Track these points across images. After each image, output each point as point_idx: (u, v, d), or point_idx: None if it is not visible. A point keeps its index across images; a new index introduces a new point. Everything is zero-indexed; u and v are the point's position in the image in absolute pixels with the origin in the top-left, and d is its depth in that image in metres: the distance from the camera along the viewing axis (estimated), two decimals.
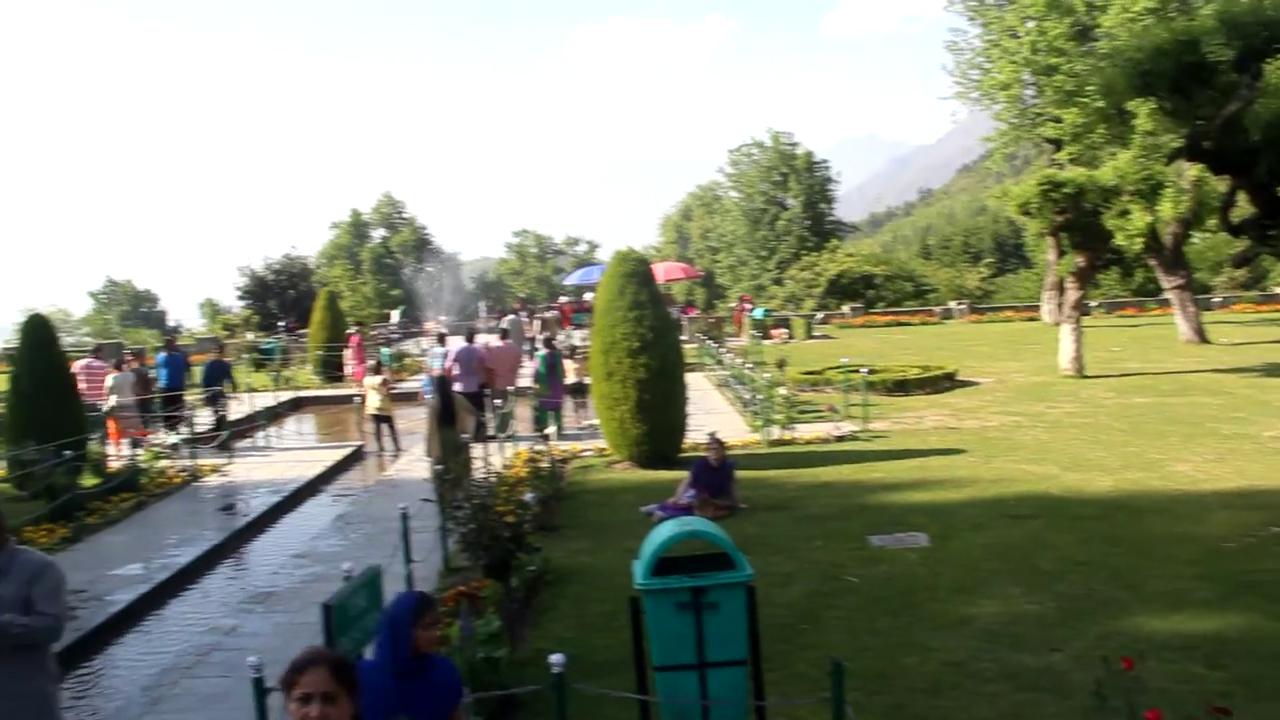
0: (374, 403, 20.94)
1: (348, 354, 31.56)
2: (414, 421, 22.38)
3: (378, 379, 21.10)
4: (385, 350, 31.75)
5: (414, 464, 18.58)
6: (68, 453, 15.51)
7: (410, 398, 24.39)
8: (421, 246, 78.32)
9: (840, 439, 18.30)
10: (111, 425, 20.12)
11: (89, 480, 16.37)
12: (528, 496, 11.98)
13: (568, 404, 21.73)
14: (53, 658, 5.45)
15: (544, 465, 15.22)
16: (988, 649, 8.32)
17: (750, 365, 23.83)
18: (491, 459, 15.78)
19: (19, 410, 16.64)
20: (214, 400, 21.44)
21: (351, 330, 32.91)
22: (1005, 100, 43.76)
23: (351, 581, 6.59)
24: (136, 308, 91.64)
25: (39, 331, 17.42)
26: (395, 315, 52.64)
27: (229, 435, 20.56)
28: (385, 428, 20.93)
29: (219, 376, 21.77)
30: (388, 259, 77.24)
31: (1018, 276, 67.08)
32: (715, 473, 13.68)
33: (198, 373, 23.69)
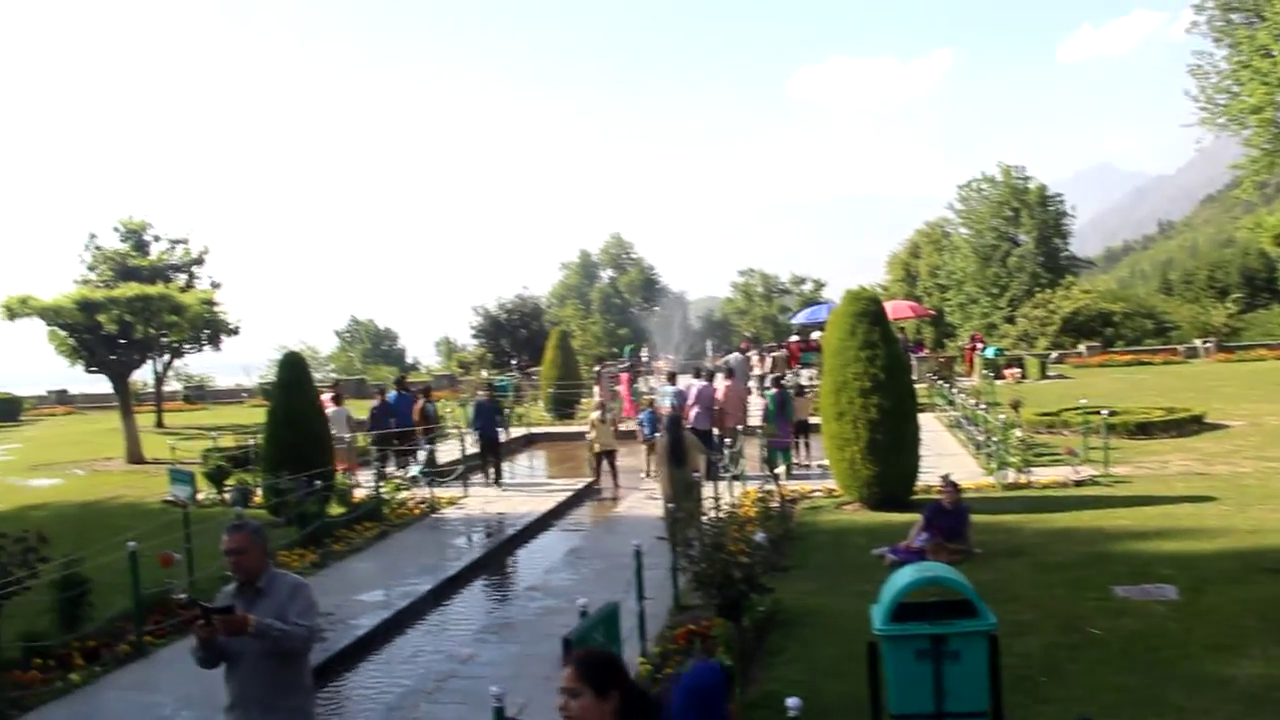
0: (596, 437, 21.36)
1: (619, 390, 31.89)
2: (636, 458, 22.73)
3: (596, 415, 21.52)
4: (619, 388, 32.16)
5: (643, 501, 18.83)
6: (318, 483, 16.30)
7: (633, 435, 24.65)
8: (649, 286, 79.48)
9: (1079, 484, 17.58)
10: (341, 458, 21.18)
11: (336, 509, 17.19)
12: (758, 536, 11.96)
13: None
14: (310, 674, 5.77)
15: (773, 505, 15.17)
16: (1250, 714, 7.82)
17: (983, 406, 23.19)
18: (720, 498, 15.83)
19: (275, 442, 17.61)
20: (487, 440, 21.72)
21: (623, 368, 33.79)
22: (1257, 124, 41.38)
23: (590, 617, 6.71)
24: (378, 345, 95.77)
25: (294, 368, 18.44)
26: (625, 354, 53.52)
27: (464, 471, 21.10)
28: (606, 463, 21.29)
29: (490, 416, 21.87)
30: (616, 299, 78.66)
31: (1270, 312, 63.18)
32: (949, 516, 13.36)
33: (464, 412, 24.35)
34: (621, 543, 14.77)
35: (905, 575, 6.83)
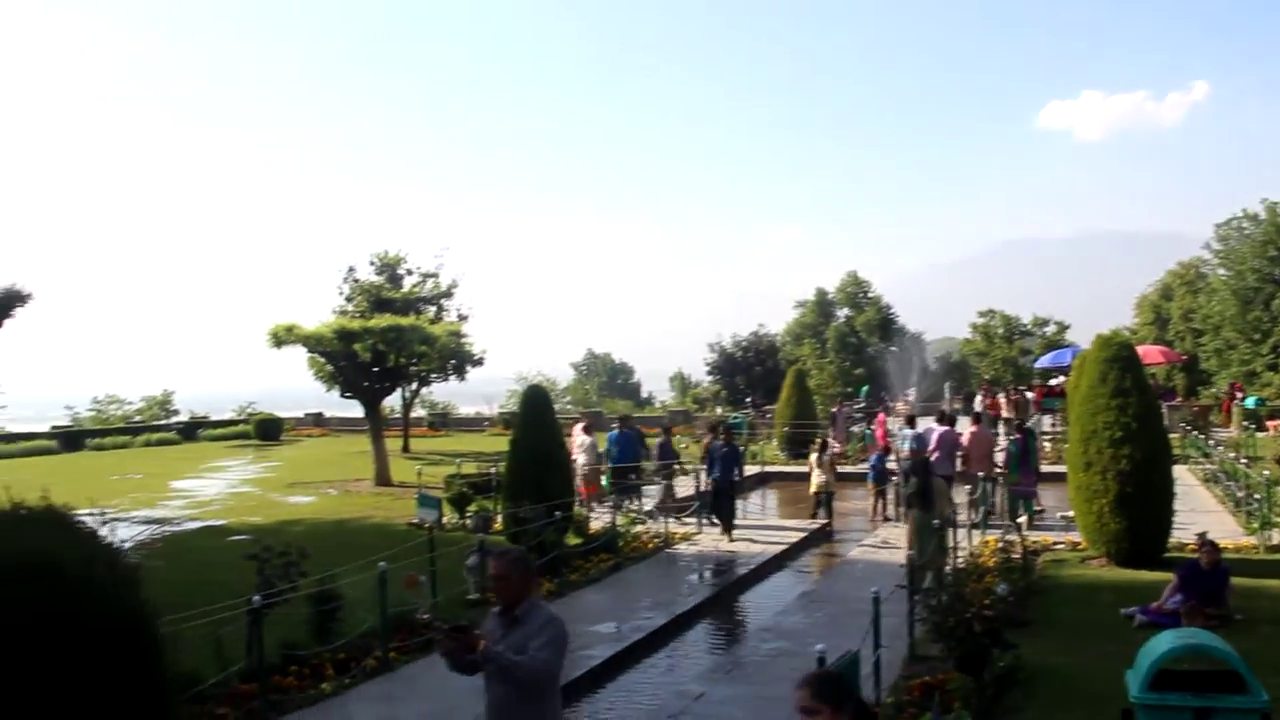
0: (818, 480, 21.12)
1: (872, 429, 31.43)
2: (857, 503, 22.40)
3: (824, 456, 21.29)
4: (862, 430, 31.59)
5: (878, 547, 18.49)
6: (557, 513, 16.63)
7: (859, 479, 24.14)
8: (886, 325, 78.13)
9: None
10: (580, 484, 21.62)
11: (573, 539, 17.50)
12: (1000, 588, 11.56)
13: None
14: (556, 712, 5.89)
15: (1015, 556, 14.65)
16: None
17: (1244, 460, 21.84)
18: (960, 546, 15.40)
19: (516, 471, 18.09)
20: (725, 480, 21.29)
21: (863, 407, 33.52)
22: None
23: (831, 665, 6.60)
24: (613, 379, 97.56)
25: (537, 401, 18.93)
26: (860, 394, 52.82)
27: (700, 506, 21.09)
28: (824, 503, 21.06)
29: (728, 462, 21.44)
30: (851, 338, 77.69)
31: None
32: (1206, 577, 12.58)
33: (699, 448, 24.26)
34: (854, 587, 14.54)
35: (1165, 641, 6.45)
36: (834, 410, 33.65)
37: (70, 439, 46.01)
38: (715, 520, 20.34)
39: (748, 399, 50.18)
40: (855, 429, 33.33)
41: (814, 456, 21.56)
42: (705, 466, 20.75)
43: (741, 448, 22.78)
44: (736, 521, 20.53)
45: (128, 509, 23.56)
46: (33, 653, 3.13)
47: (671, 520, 20.00)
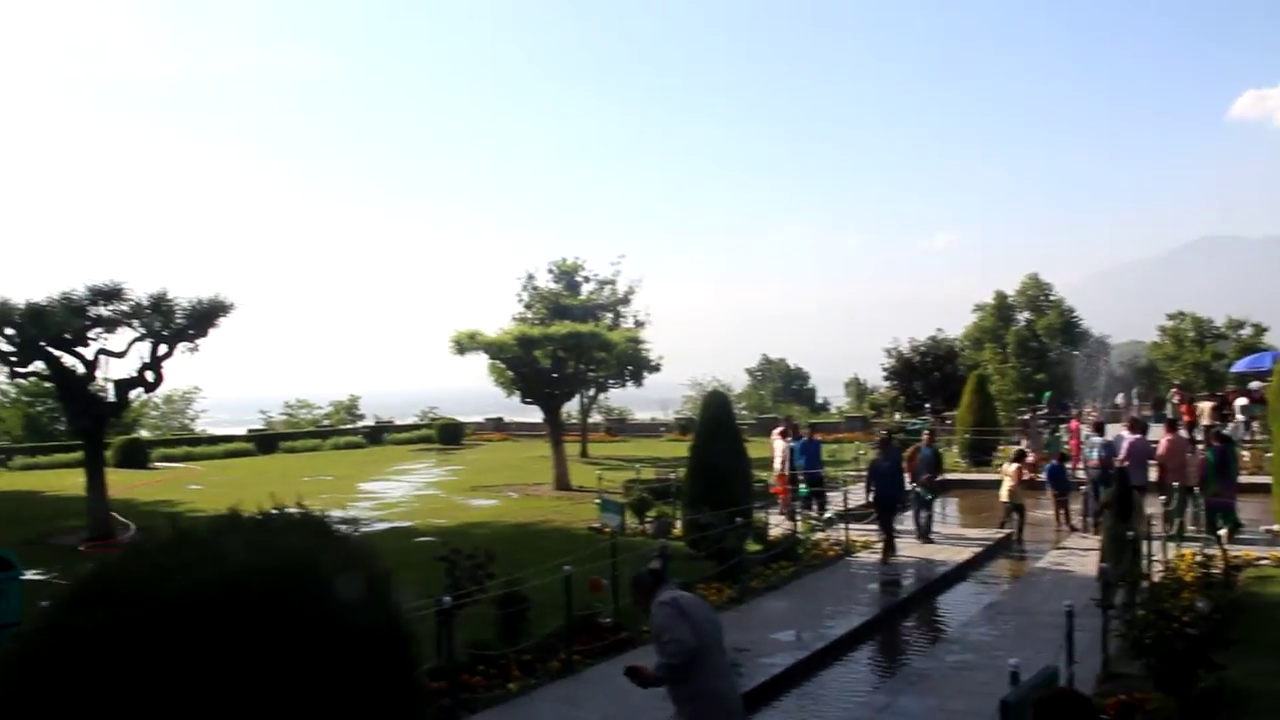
0: (1007, 489, 20.57)
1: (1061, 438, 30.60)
2: (1040, 512, 21.79)
3: (1013, 466, 20.71)
4: (1050, 436, 30.61)
5: (1066, 557, 17.96)
6: (738, 520, 16.61)
7: (1040, 487, 23.41)
8: (1069, 329, 75.82)
9: None
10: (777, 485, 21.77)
11: (753, 546, 17.46)
12: (1200, 604, 11.09)
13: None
14: (706, 680, 6.68)
15: (1214, 571, 14.01)
16: None
17: None
18: (1154, 560, 14.82)
19: (696, 477, 18.15)
20: (884, 504, 20.77)
21: (1061, 415, 32.71)
22: None
23: (1028, 681, 6.44)
24: (788, 384, 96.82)
25: (717, 407, 18.98)
26: (1043, 400, 51.35)
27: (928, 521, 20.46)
28: (1015, 516, 20.44)
29: (888, 477, 20.88)
30: (1033, 342, 75.63)
31: None
32: None
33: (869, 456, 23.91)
34: (1043, 600, 14.15)
35: None
36: (1025, 416, 32.68)
37: (265, 442, 48.14)
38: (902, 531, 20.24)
39: (926, 405, 49.28)
40: (1049, 435, 32.30)
41: (1010, 465, 21.01)
42: (866, 482, 19.92)
43: (934, 450, 21.81)
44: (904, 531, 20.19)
45: (319, 510, 24.37)
46: (306, 655, 3.26)
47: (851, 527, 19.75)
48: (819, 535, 19.22)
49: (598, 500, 19.88)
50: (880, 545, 18.59)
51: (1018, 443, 27.10)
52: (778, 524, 19.69)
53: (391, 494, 28.74)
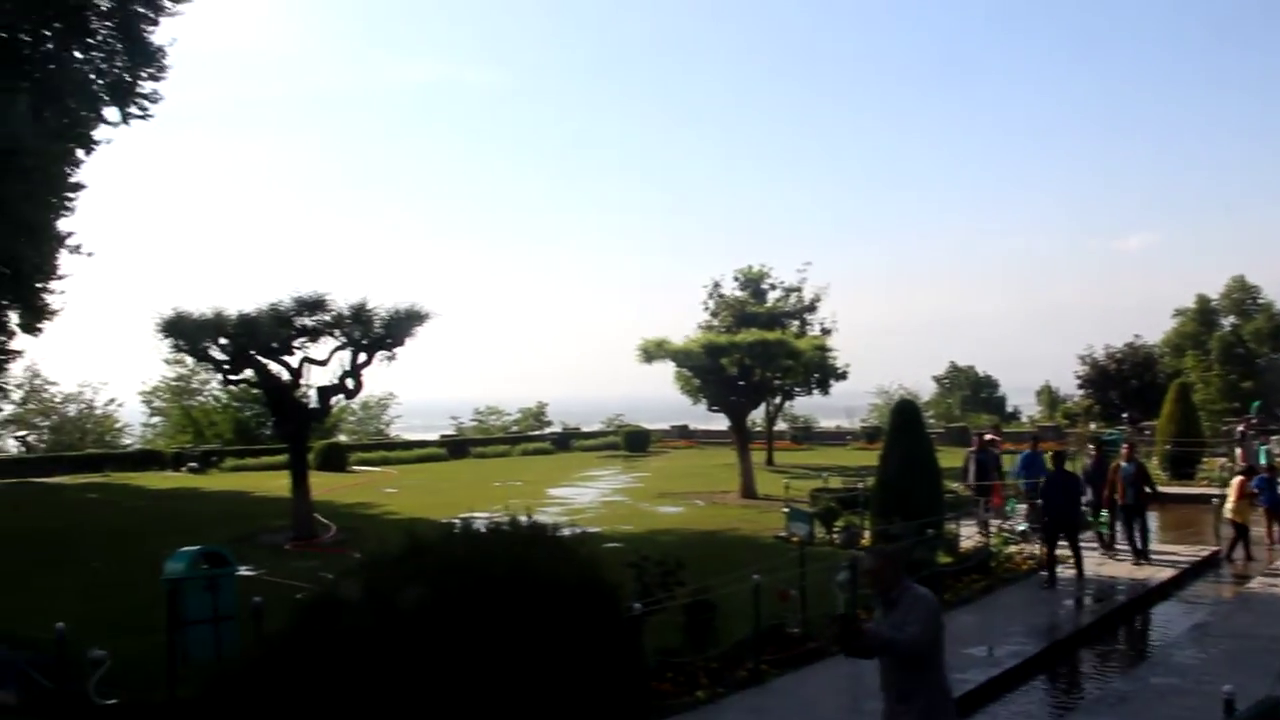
0: (1231, 506, 19.62)
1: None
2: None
3: (1237, 480, 19.79)
4: (1264, 448, 29.14)
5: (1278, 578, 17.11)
6: (929, 531, 16.31)
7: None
8: (1278, 334, 72.09)
9: None
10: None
11: (943, 558, 17.12)
12: None
13: None
14: (939, 677, 6.85)
15: None
16: None
17: None
18: None
19: (885, 486, 17.89)
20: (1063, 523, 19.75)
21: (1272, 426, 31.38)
22: None
23: (1247, 710, 6.16)
24: (976, 392, 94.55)
25: (907, 414, 18.68)
26: (1251, 411, 48.91)
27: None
28: (1236, 535, 19.47)
29: (1063, 491, 19.95)
30: (1238, 348, 72.14)
31: None
32: None
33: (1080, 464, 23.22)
34: (1256, 623, 13.52)
35: None
36: (1240, 428, 31.13)
37: (457, 447, 49.49)
38: (1111, 546, 19.93)
39: (1124, 414, 47.53)
40: (1265, 447, 30.72)
41: (1235, 480, 20.13)
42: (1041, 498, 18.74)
43: (1138, 464, 20.78)
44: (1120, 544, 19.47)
45: (510, 514, 24.95)
46: (549, 659, 3.38)
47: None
48: (1012, 548, 18.74)
49: (785, 509, 19.80)
50: (1072, 560, 17.93)
51: (1224, 455, 25.90)
52: (968, 536, 19.24)
53: (579, 500, 29.19)
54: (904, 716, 6.69)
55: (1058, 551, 17.45)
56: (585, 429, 58.84)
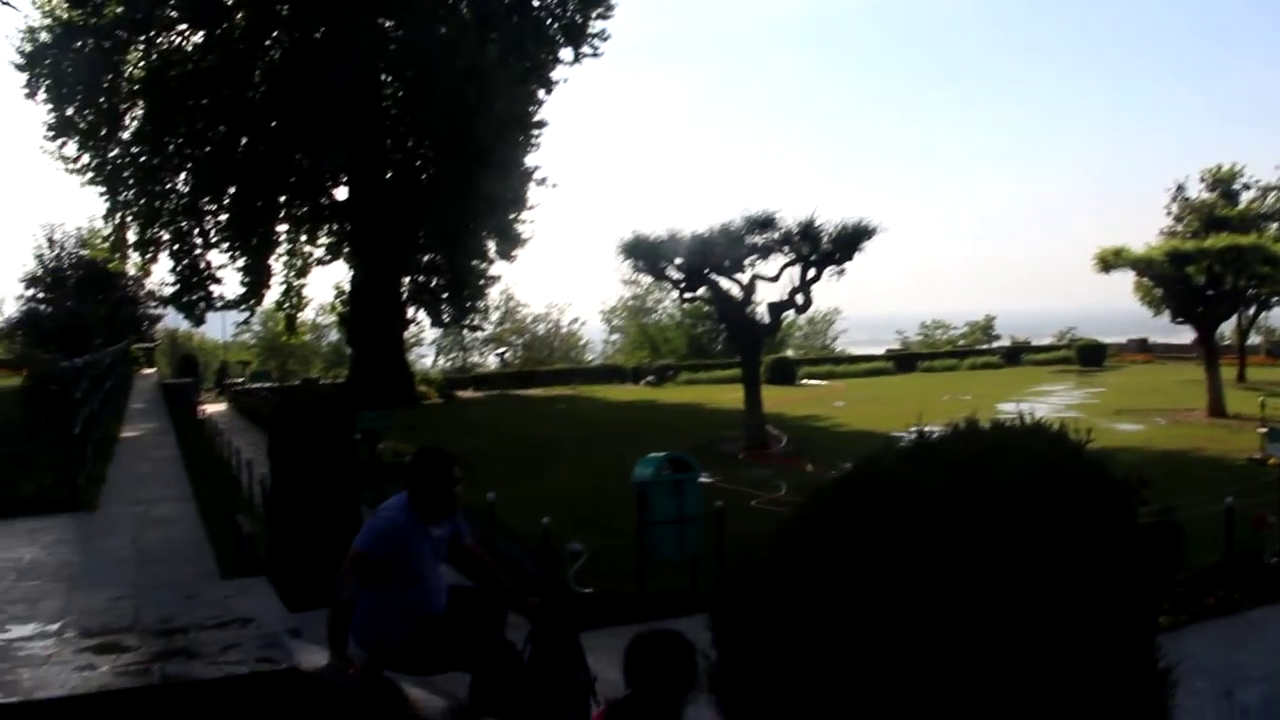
0: None
1: None
2: None
3: None
4: None
5: None
6: None
7: None
8: None
9: None
10: None
11: None
12: None
13: None
14: None
15: None
16: None
17: None
18: None
19: None
20: None
21: None
22: None
23: None
24: None
25: None
26: None
27: None
28: None
29: None
30: None
31: None
32: None
33: None
34: None
35: None
36: None
37: (903, 361, 49.50)
38: None
39: None
40: None
41: None
42: None
43: None
44: None
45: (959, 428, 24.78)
46: (1070, 560, 3.46)
47: None
48: None
49: (1262, 429, 18.41)
50: None
51: None
52: None
53: (1031, 416, 28.38)
54: None
55: None
56: (1035, 343, 56.88)
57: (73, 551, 11.32)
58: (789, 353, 52.34)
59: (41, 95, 36.59)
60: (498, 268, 42.32)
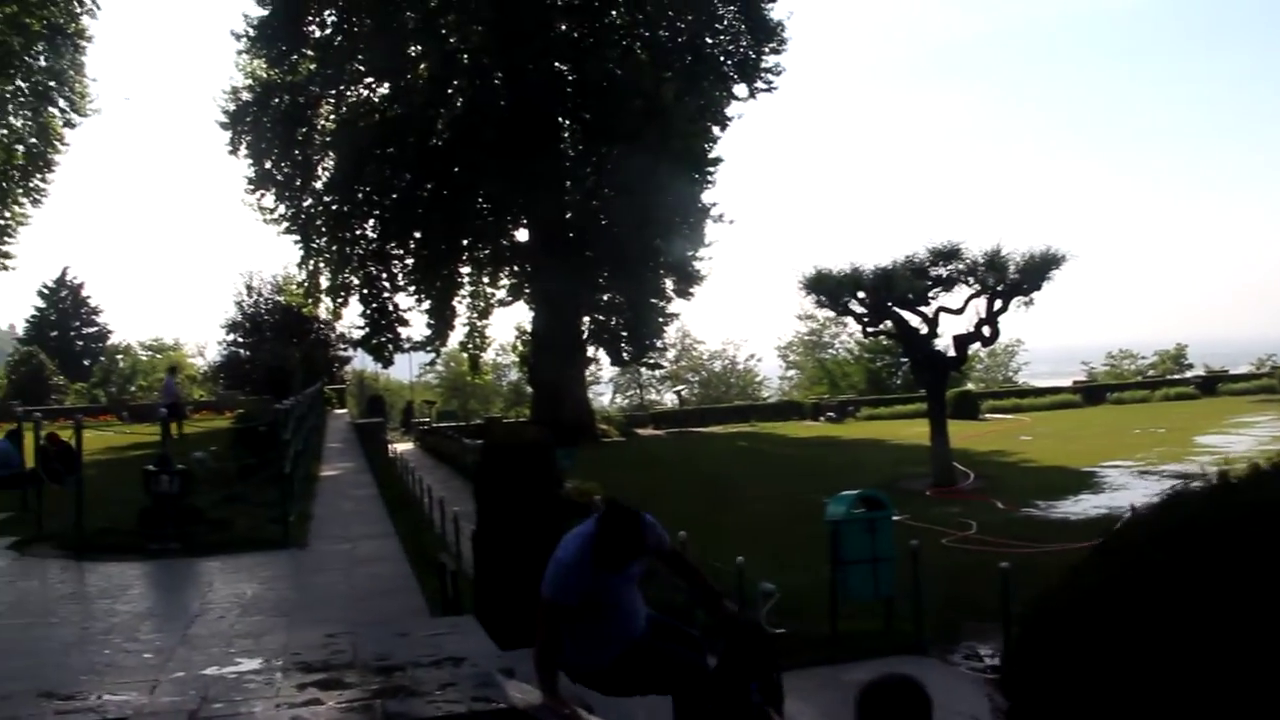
0: None
1: None
2: None
3: None
4: None
5: None
6: None
7: None
8: None
9: None
10: None
11: None
12: None
13: None
14: None
15: None
16: None
17: None
18: None
19: None
20: None
21: None
22: None
23: None
24: None
25: None
26: None
27: None
28: None
29: None
30: None
31: None
32: None
33: None
34: None
35: None
36: None
37: (1090, 393, 47.88)
38: None
39: None
40: None
41: None
42: None
43: None
44: None
45: (1155, 463, 23.88)
46: None
47: None
48: None
49: None
50: None
51: None
52: None
53: (1233, 448, 27.11)
54: None
55: None
56: (1232, 371, 54.37)
57: (289, 587, 11.79)
58: (971, 386, 51.25)
59: (243, 150, 38.72)
60: (675, 305, 42.70)
